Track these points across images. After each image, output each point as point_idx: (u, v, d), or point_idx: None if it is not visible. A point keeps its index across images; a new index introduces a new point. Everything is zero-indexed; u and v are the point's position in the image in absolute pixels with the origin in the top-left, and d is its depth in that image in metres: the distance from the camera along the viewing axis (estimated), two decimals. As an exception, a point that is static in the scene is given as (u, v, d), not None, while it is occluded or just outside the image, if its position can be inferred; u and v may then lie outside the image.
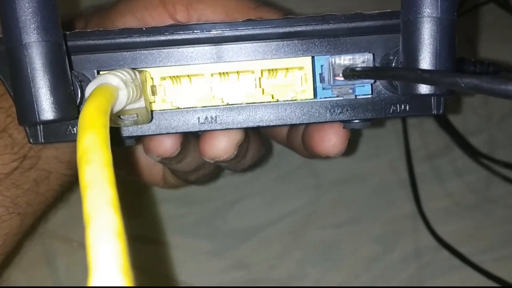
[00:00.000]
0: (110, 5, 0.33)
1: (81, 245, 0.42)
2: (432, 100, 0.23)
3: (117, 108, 0.19)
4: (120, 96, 0.19)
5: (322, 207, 0.45)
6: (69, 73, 0.20)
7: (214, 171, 0.36)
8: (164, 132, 0.24)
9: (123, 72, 0.20)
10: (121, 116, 0.21)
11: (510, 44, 0.48)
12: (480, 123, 0.47)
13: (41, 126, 0.23)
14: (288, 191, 0.46)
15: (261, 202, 0.45)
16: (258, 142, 0.33)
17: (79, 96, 0.22)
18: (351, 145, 0.29)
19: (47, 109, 0.19)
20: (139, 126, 0.23)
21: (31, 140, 0.23)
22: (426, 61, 0.19)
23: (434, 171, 0.46)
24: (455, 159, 0.47)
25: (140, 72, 0.21)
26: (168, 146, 0.27)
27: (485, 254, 0.44)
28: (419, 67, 0.19)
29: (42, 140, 0.23)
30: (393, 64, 0.22)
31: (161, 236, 0.44)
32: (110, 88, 0.19)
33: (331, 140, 0.27)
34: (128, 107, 0.20)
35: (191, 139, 0.30)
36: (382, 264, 0.44)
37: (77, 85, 0.22)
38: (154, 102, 0.23)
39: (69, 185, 0.35)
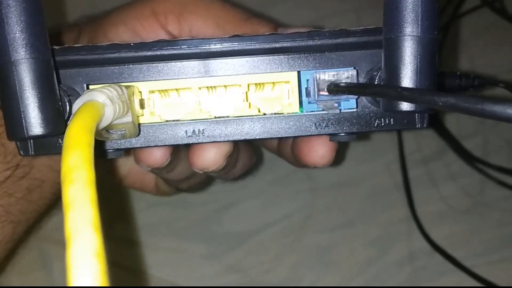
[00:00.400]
0: (103, 15, 0.34)
1: None
2: (416, 115, 0.24)
3: (104, 124, 0.19)
4: (107, 113, 0.19)
5: (317, 210, 0.46)
6: (57, 88, 0.21)
7: (205, 180, 0.36)
8: (152, 145, 0.24)
9: (110, 88, 0.20)
10: (109, 130, 0.22)
11: (505, 48, 0.49)
12: (475, 127, 0.47)
13: (28, 140, 0.23)
14: (283, 195, 0.46)
15: (256, 206, 0.46)
16: (248, 151, 0.34)
17: (68, 110, 0.22)
18: (339, 155, 0.29)
19: (35, 125, 0.20)
20: (128, 139, 0.24)
21: (21, 153, 0.24)
22: (407, 79, 0.20)
23: (429, 175, 0.47)
24: (450, 163, 0.47)
25: (127, 87, 0.22)
26: (158, 157, 0.27)
27: (479, 258, 0.44)
28: (400, 85, 0.20)
29: (33, 153, 0.24)
30: (376, 79, 0.22)
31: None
32: (96, 105, 0.19)
33: (319, 151, 0.27)
34: (115, 122, 0.21)
35: (181, 148, 0.30)
36: (376, 267, 0.44)
37: (66, 100, 0.22)
38: (143, 115, 0.24)
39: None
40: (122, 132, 0.22)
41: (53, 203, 0.35)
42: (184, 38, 0.27)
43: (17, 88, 0.20)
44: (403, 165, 0.46)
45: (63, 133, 0.21)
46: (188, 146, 0.28)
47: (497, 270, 0.44)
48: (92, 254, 0.13)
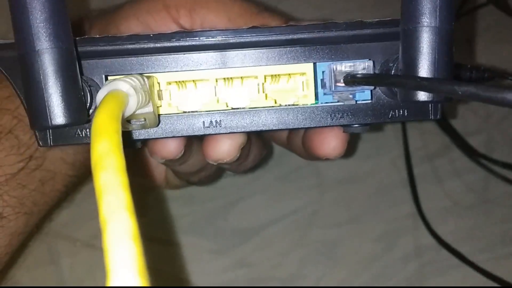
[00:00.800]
0: (114, 8, 0.34)
1: (85, 245, 0.43)
2: (430, 106, 0.24)
3: (127, 113, 0.20)
4: (130, 102, 0.20)
5: (324, 206, 0.46)
6: (80, 78, 0.21)
7: (215, 172, 0.36)
8: (170, 136, 0.24)
9: (133, 78, 0.21)
10: (130, 121, 0.22)
11: (509, 46, 0.49)
12: (479, 124, 0.48)
13: (51, 129, 0.23)
14: (290, 191, 0.46)
15: (263, 202, 0.46)
16: (260, 144, 0.34)
17: (89, 100, 0.22)
18: (350, 147, 0.30)
19: (59, 114, 0.20)
20: (146, 129, 0.24)
21: (40, 143, 0.24)
22: (424, 69, 0.20)
23: (433, 171, 0.47)
24: (454, 159, 0.47)
25: (148, 77, 0.22)
26: (172, 148, 0.28)
27: (483, 254, 0.44)
28: (418, 75, 0.20)
29: (51, 143, 0.24)
30: (393, 70, 0.23)
31: (171, 236, 0.45)
32: (121, 94, 0.19)
33: (331, 143, 0.28)
34: (136, 112, 0.21)
35: (194, 141, 0.31)
36: (382, 263, 0.45)
37: (87, 90, 0.22)
38: (161, 106, 0.24)
39: (73, 186, 0.35)
40: (142, 122, 0.22)
41: (64, 196, 0.35)
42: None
43: (41, 77, 0.20)
44: (408, 161, 0.46)
45: (85, 122, 0.22)
46: (201, 138, 0.29)
47: (501, 265, 0.44)
48: (129, 237, 0.14)
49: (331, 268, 0.45)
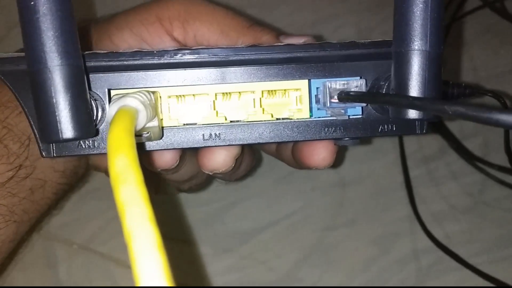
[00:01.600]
0: (107, 18, 0.35)
1: (82, 248, 0.43)
2: (417, 122, 0.26)
3: (137, 129, 0.21)
4: (140, 117, 0.21)
5: (319, 209, 0.46)
6: (88, 93, 0.22)
7: (206, 181, 0.37)
8: (171, 148, 0.25)
9: (140, 94, 0.21)
10: (136, 134, 0.23)
11: (505, 48, 0.49)
12: (476, 127, 0.48)
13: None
14: (286, 194, 0.47)
15: (260, 205, 0.46)
16: (250, 154, 0.35)
17: (95, 114, 0.23)
18: (338, 158, 0.31)
19: (69, 129, 0.21)
20: (149, 142, 0.25)
21: (43, 154, 0.24)
22: (415, 89, 0.22)
23: (430, 174, 0.47)
24: (451, 162, 0.47)
25: (153, 92, 0.23)
26: (168, 159, 0.28)
27: (480, 257, 0.45)
28: (410, 95, 0.22)
29: (54, 154, 0.24)
30: (384, 88, 0.24)
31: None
32: (131, 110, 0.20)
33: (321, 154, 0.29)
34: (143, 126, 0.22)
35: (186, 151, 0.31)
36: (378, 266, 0.45)
37: (93, 104, 0.23)
38: (162, 119, 0.25)
39: (64, 193, 0.35)
40: (147, 135, 0.23)
41: (54, 203, 0.35)
42: (192, 45, 0.28)
43: (53, 93, 0.20)
44: (404, 164, 0.47)
45: (94, 135, 0.22)
46: (196, 148, 0.30)
47: (498, 269, 0.44)
48: (154, 247, 0.15)
49: (327, 271, 0.45)
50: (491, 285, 0.43)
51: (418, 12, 0.21)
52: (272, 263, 0.45)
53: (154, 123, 0.22)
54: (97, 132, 0.24)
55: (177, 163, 0.29)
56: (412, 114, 0.22)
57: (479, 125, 0.47)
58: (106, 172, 0.35)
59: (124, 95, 0.21)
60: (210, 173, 0.29)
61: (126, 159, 0.17)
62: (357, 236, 0.46)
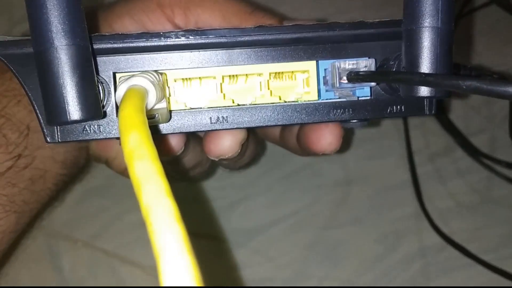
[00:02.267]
0: (107, 6, 0.34)
1: (86, 245, 0.43)
2: (425, 102, 0.26)
3: (147, 108, 0.20)
4: (149, 97, 0.20)
5: (325, 207, 0.46)
6: (95, 74, 0.21)
7: (209, 169, 0.37)
8: (177, 132, 0.25)
9: (149, 74, 0.21)
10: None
11: (511, 45, 0.49)
12: (482, 124, 0.47)
13: (68, 124, 0.24)
14: (292, 192, 0.46)
15: (265, 203, 0.46)
16: (255, 141, 0.35)
17: (101, 96, 0.23)
18: (345, 143, 0.31)
19: (77, 110, 0.20)
20: (158, 124, 0.24)
21: (48, 139, 0.24)
22: (427, 67, 0.21)
23: (436, 172, 0.47)
24: (457, 159, 0.47)
25: (161, 74, 0.23)
26: (174, 144, 0.28)
27: (487, 254, 0.44)
28: (422, 71, 0.22)
29: (59, 139, 0.24)
30: (394, 68, 0.24)
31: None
32: (141, 89, 0.20)
33: (327, 138, 0.29)
34: (152, 108, 0.21)
35: (191, 138, 0.31)
36: (385, 263, 0.45)
37: (100, 87, 0.23)
38: (170, 102, 0.25)
39: (64, 185, 0.35)
40: (156, 118, 0.23)
41: (55, 194, 0.35)
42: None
43: (60, 74, 0.20)
44: (411, 161, 0.46)
45: (101, 117, 0.22)
46: (199, 135, 0.29)
47: (505, 266, 0.44)
48: (173, 219, 0.14)
49: (334, 268, 0.45)
50: (503, 280, 0.43)
51: (429, -11, 0.21)
52: (278, 261, 0.45)
53: (163, 104, 0.22)
54: (104, 115, 0.23)
55: (182, 149, 0.29)
56: (424, 91, 0.22)
57: (486, 122, 0.47)
58: (107, 162, 0.35)
59: (133, 75, 0.21)
60: (216, 159, 0.29)
61: (139, 135, 0.17)
62: (364, 233, 0.46)
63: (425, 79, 0.20)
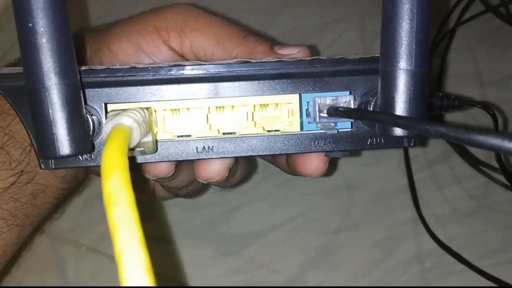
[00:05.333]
0: (105, 27, 0.35)
1: (90, 250, 0.44)
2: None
3: (131, 146, 0.21)
4: (133, 135, 0.21)
5: (323, 212, 0.47)
6: (84, 110, 0.23)
7: (202, 187, 0.38)
8: (165, 160, 0.26)
9: (135, 111, 0.22)
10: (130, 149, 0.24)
11: (509, 52, 0.49)
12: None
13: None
14: (290, 197, 0.47)
15: (264, 208, 0.47)
16: (244, 162, 0.36)
17: (91, 128, 0.24)
18: (331, 166, 0.32)
19: (66, 146, 0.21)
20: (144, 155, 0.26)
21: (42, 166, 0.25)
22: (401, 108, 0.22)
23: (433, 178, 0.48)
24: (454, 166, 0.48)
25: (147, 109, 0.24)
26: (164, 168, 0.29)
27: (483, 260, 0.45)
28: (395, 112, 0.22)
29: (53, 167, 0.25)
30: (372, 104, 0.25)
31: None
32: (125, 129, 0.21)
33: (313, 163, 0.30)
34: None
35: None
36: (382, 268, 0.46)
37: (89, 119, 0.24)
38: (157, 132, 0.26)
39: (64, 198, 0.36)
40: (141, 150, 0.24)
41: (56, 208, 0.36)
42: (190, 60, 0.28)
43: (50, 112, 0.21)
44: (408, 168, 0.47)
45: (90, 151, 0.23)
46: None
47: (501, 272, 0.44)
48: (143, 269, 0.16)
49: (331, 273, 0.46)
50: (495, 285, 0.43)
51: (404, 33, 0.22)
52: (276, 266, 0.45)
53: (148, 138, 0.23)
54: (93, 147, 0.25)
55: (173, 171, 0.30)
56: (397, 131, 0.23)
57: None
58: None
59: (118, 113, 0.22)
60: (205, 182, 0.30)
61: (118, 179, 0.18)
62: (361, 239, 0.46)
63: (397, 121, 0.21)
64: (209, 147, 0.26)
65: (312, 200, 0.47)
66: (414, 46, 0.22)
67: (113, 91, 0.25)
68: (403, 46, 0.22)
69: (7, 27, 0.48)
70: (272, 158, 0.35)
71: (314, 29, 0.50)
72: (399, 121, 0.21)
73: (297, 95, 0.26)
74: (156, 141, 0.26)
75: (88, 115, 0.24)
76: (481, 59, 0.49)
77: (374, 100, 0.25)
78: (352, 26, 0.50)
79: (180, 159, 0.26)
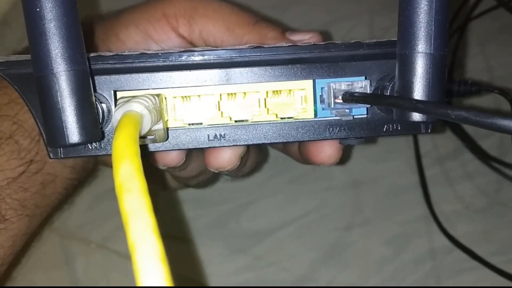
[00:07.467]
0: (113, 15, 0.35)
1: (99, 246, 0.44)
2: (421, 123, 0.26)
3: (141, 133, 0.21)
4: (144, 122, 0.21)
5: (334, 209, 0.47)
6: (93, 97, 0.22)
7: (213, 177, 0.38)
8: (176, 148, 0.25)
9: (145, 98, 0.22)
10: (141, 137, 0.23)
11: None
12: None
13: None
14: (301, 194, 0.47)
15: (274, 204, 0.47)
16: (256, 150, 0.35)
17: (101, 116, 0.23)
18: (345, 155, 0.31)
19: (75, 133, 0.21)
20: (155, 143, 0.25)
21: (51, 156, 0.25)
22: (419, 92, 0.22)
23: (445, 174, 0.47)
24: (466, 162, 0.47)
25: (158, 95, 0.23)
26: (174, 157, 0.29)
27: (495, 257, 0.44)
28: (413, 97, 0.22)
29: (62, 156, 0.25)
30: (389, 89, 0.24)
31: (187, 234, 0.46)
32: (136, 116, 0.20)
33: (327, 151, 0.29)
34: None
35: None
36: (394, 266, 0.45)
37: (98, 107, 0.23)
38: (167, 120, 0.25)
39: (74, 188, 0.36)
40: (152, 138, 0.23)
41: (65, 198, 0.36)
42: (200, 46, 0.28)
43: (59, 98, 0.21)
44: (419, 164, 0.46)
45: (100, 139, 0.23)
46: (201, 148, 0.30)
47: None
48: (158, 259, 0.15)
49: (342, 270, 0.45)
50: (509, 284, 0.43)
51: (422, 15, 0.21)
52: (286, 263, 0.45)
53: (159, 126, 0.23)
54: (103, 135, 0.24)
55: (184, 161, 0.29)
56: (416, 117, 0.22)
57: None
58: None
59: (129, 100, 0.21)
60: (216, 171, 0.29)
61: (130, 167, 0.17)
62: (372, 236, 0.46)
63: (416, 106, 0.21)
64: (220, 135, 0.26)
65: (323, 197, 0.47)
66: (433, 28, 0.21)
67: (122, 78, 0.24)
68: (421, 28, 0.21)
69: (14, 26, 0.48)
70: (283, 147, 0.35)
71: (323, 24, 0.50)
72: (419, 106, 0.21)
73: (311, 81, 0.25)
74: (167, 128, 0.25)
75: (97, 103, 0.23)
76: (492, 55, 0.49)
77: (390, 85, 0.24)
78: (362, 21, 0.50)
79: (191, 147, 0.26)
